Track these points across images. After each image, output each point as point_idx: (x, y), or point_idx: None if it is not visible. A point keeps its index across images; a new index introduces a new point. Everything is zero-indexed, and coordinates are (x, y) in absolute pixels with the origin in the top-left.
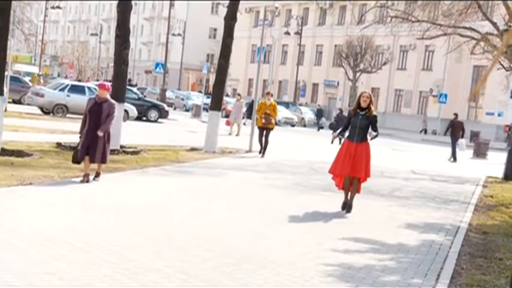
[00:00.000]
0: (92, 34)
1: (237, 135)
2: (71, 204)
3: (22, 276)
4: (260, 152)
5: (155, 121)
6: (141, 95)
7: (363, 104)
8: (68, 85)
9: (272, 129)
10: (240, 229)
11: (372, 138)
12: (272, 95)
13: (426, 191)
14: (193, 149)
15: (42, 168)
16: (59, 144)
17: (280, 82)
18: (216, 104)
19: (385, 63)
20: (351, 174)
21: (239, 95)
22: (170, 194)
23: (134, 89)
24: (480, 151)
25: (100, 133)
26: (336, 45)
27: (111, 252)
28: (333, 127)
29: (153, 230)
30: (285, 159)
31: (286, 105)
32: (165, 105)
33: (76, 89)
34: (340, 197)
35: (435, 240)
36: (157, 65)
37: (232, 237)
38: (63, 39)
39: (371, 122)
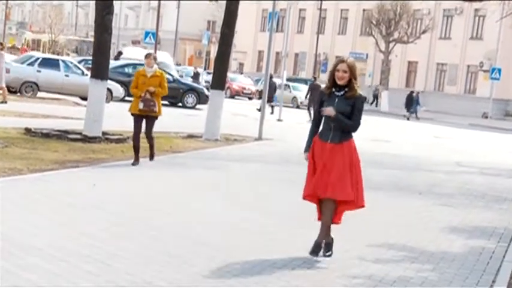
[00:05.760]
0: None
1: (2, 102)
2: (43, 204)
3: None
4: (134, 163)
5: (192, 107)
6: (176, 76)
7: (340, 82)
8: (38, 58)
9: (156, 118)
10: (246, 233)
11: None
12: (155, 59)
13: (474, 187)
14: (190, 136)
15: (8, 159)
16: (28, 131)
17: (296, 55)
18: (219, 82)
19: (424, 32)
20: (321, 193)
21: (1, 44)
22: (162, 191)
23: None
24: None
25: None
26: (364, 10)
27: (92, 261)
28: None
29: (142, 235)
30: (300, 148)
31: (305, 82)
32: (204, 89)
33: (48, 63)
34: (373, 196)
35: (485, 247)
36: (147, 34)
37: (238, 243)
38: (32, 3)
39: (353, 106)
